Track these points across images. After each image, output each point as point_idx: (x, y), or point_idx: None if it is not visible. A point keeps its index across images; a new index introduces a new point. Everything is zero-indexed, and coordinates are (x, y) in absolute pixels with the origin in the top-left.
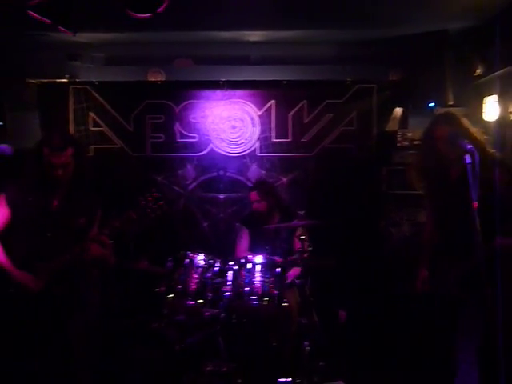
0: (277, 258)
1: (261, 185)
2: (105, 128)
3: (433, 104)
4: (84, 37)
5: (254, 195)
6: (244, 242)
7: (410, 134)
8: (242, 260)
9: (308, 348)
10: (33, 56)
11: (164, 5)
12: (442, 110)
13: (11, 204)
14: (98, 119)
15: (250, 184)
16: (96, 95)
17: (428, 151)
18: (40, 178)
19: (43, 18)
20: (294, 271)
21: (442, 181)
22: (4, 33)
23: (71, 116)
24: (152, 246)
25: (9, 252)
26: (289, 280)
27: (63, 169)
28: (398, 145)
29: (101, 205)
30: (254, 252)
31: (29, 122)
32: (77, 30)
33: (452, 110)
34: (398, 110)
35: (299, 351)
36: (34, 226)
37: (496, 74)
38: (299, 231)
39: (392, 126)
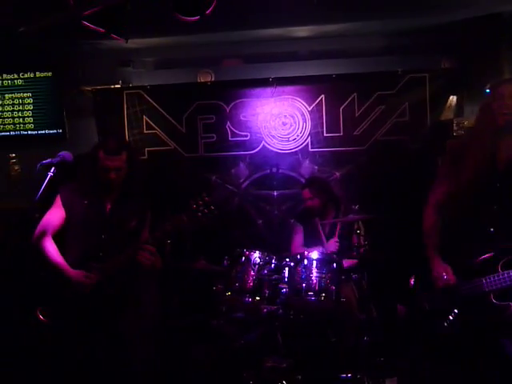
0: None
1: (312, 182)
2: (158, 130)
3: (489, 91)
4: (135, 42)
5: (306, 193)
6: (298, 238)
7: (465, 123)
8: (298, 256)
9: (368, 343)
10: (86, 64)
11: (212, 6)
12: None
13: (66, 206)
14: (151, 122)
15: (303, 180)
16: (149, 99)
17: (483, 125)
18: (94, 181)
19: (97, 28)
20: (349, 262)
21: (488, 165)
22: (60, 43)
23: (126, 120)
24: (208, 245)
25: (64, 252)
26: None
27: (116, 172)
28: (454, 134)
29: (150, 208)
30: (310, 248)
31: (86, 128)
32: (128, 36)
33: None
34: (453, 99)
35: (358, 347)
36: (89, 228)
37: None
38: (355, 225)
39: (447, 114)
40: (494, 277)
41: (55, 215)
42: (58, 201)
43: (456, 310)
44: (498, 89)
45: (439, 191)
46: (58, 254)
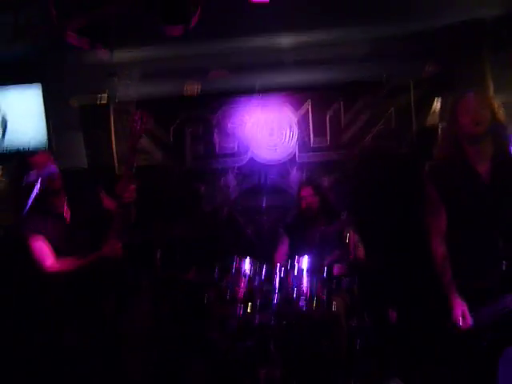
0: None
1: (313, 181)
2: (146, 143)
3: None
4: (121, 54)
5: (308, 190)
6: (283, 247)
7: None
8: (289, 265)
9: (361, 350)
10: (73, 76)
11: (196, 18)
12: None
13: (41, 233)
14: None
15: (291, 189)
16: (135, 111)
17: (449, 138)
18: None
19: (81, 40)
20: (338, 268)
21: (467, 178)
22: (46, 54)
23: (113, 134)
24: (199, 255)
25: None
26: (335, 274)
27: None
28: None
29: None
30: (300, 256)
31: (73, 141)
32: (114, 48)
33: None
34: (438, 104)
35: (352, 354)
36: (66, 239)
37: None
38: (345, 232)
39: (432, 120)
40: None
41: (43, 243)
42: (38, 236)
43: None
44: (462, 102)
45: (438, 219)
46: (72, 260)
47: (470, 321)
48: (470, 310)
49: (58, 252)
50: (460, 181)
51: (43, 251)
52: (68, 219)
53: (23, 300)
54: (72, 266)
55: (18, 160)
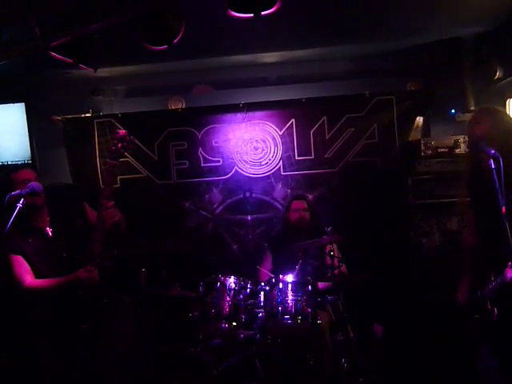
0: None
1: (306, 197)
2: (130, 158)
3: (454, 111)
4: (105, 71)
5: (302, 204)
6: (266, 264)
7: (433, 143)
8: (273, 280)
9: (346, 365)
10: (57, 93)
11: (179, 36)
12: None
13: (19, 253)
14: None
15: (276, 204)
16: (119, 127)
17: (468, 154)
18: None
19: (65, 58)
20: (323, 284)
21: (479, 186)
22: (29, 72)
23: (97, 149)
24: (183, 271)
25: None
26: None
27: (32, 198)
28: (422, 154)
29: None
30: (284, 271)
31: (56, 158)
32: (97, 65)
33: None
34: (420, 119)
35: (337, 368)
36: (48, 258)
37: None
38: (328, 247)
39: (414, 135)
40: None
41: (22, 261)
42: (13, 255)
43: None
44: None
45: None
46: (49, 280)
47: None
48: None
49: (41, 267)
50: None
51: (22, 269)
52: (50, 234)
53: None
54: (49, 285)
55: (1, 177)
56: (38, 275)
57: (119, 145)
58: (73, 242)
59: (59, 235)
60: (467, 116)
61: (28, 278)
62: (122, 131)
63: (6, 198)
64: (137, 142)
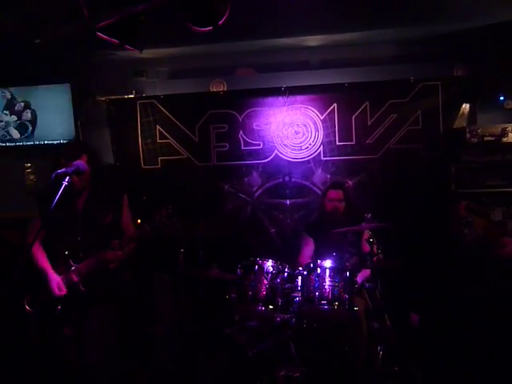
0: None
1: (343, 185)
2: (171, 140)
3: (503, 98)
4: (148, 53)
5: (338, 193)
6: (307, 249)
7: (479, 130)
8: (311, 265)
9: (381, 353)
10: (101, 74)
11: (224, 17)
12: None
13: (42, 214)
14: (164, 131)
15: (315, 189)
16: (162, 108)
17: None
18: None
19: (111, 39)
20: (364, 273)
21: None
22: (74, 53)
23: (139, 130)
24: (222, 253)
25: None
26: (359, 282)
27: (77, 175)
28: (467, 142)
29: (123, 203)
30: (322, 257)
31: (101, 138)
32: (142, 47)
33: None
34: (466, 106)
35: (373, 356)
36: (64, 232)
37: None
38: (367, 234)
39: (460, 122)
40: None
41: (38, 225)
42: (35, 219)
43: None
44: None
45: None
46: (44, 258)
47: None
48: None
49: (53, 245)
50: None
51: (34, 230)
52: (80, 214)
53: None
54: (38, 262)
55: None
56: (47, 249)
57: (164, 220)
58: (93, 232)
59: (87, 219)
60: None
61: (32, 238)
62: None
63: (53, 176)
64: (178, 123)
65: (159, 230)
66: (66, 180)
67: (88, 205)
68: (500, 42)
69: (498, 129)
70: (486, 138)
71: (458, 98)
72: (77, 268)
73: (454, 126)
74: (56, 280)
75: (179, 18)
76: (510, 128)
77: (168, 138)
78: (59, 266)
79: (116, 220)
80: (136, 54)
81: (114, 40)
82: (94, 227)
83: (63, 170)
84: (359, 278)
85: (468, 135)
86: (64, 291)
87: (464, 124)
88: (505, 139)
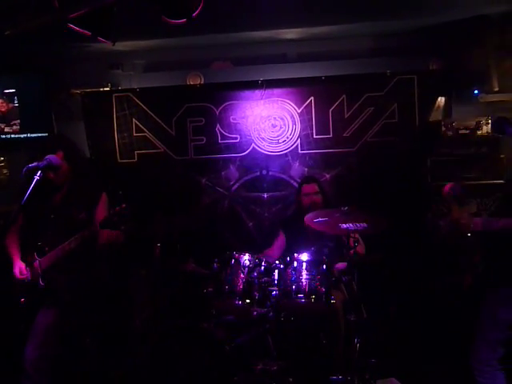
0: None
1: (317, 179)
2: (148, 133)
3: (477, 91)
4: (124, 45)
5: (313, 187)
6: (277, 243)
7: (454, 124)
8: (288, 258)
9: (358, 345)
10: (76, 67)
11: (198, 9)
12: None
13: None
14: (140, 125)
15: (293, 182)
16: (138, 102)
17: None
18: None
19: (83, 31)
20: (341, 265)
21: None
22: (47, 46)
23: (115, 123)
24: (198, 247)
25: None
26: (336, 272)
27: (53, 171)
28: (443, 135)
29: (99, 200)
30: (299, 250)
31: (75, 131)
32: (116, 39)
33: None
34: (441, 100)
35: (350, 348)
36: (38, 224)
37: None
38: None
39: (435, 116)
40: None
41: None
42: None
43: None
44: None
45: None
46: (16, 246)
47: None
48: None
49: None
50: None
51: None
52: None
53: None
54: (8, 249)
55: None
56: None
57: (115, 218)
58: (64, 227)
59: (59, 215)
60: (490, 97)
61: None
62: (122, 206)
63: (24, 170)
64: (154, 117)
65: (109, 227)
66: (38, 174)
67: (63, 200)
68: (474, 35)
69: (472, 122)
70: (460, 131)
71: (433, 92)
72: (39, 261)
73: (430, 119)
74: (19, 265)
75: (153, 10)
76: (484, 121)
77: (144, 132)
78: (27, 257)
79: (89, 217)
80: (111, 46)
81: (86, 32)
82: (66, 223)
83: (34, 164)
84: (336, 269)
85: (443, 128)
86: (26, 275)
87: (439, 117)
88: (479, 132)
